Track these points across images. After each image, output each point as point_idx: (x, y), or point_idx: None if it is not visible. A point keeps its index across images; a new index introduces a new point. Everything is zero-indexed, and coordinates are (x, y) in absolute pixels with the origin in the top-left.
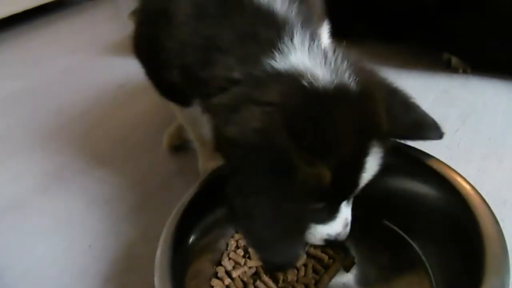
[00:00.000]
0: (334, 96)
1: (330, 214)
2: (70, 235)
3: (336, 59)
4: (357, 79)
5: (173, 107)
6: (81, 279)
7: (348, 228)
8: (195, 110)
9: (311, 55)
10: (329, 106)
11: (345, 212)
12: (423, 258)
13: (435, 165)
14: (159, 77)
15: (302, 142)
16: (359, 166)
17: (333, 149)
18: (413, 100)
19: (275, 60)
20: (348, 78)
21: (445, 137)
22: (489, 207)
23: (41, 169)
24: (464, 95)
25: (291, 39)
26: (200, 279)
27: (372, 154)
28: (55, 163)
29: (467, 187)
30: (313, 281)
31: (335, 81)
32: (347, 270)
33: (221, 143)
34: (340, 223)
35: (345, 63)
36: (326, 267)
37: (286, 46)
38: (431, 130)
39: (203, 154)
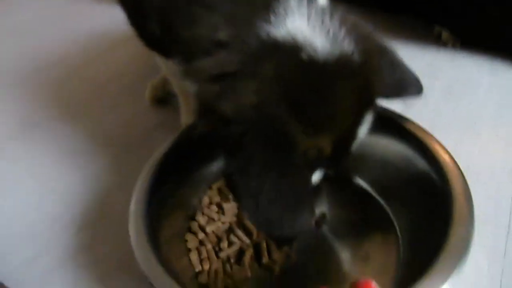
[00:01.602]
0: (335, 68)
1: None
2: (43, 183)
3: (334, 25)
4: (358, 47)
5: (157, 58)
6: (54, 227)
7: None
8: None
9: (310, 20)
10: (330, 79)
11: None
12: (392, 217)
13: (411, 127)
14: (141, 28)
15: (302, 114)
16: (355, 135)
17: (334, 121)
18: (398, 57)
19: (271, 24)
20: (348, 47)
21: (427, 108)
22: (458, 167)
23: (14, 115)
24: (449, 69)
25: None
26: (174, 233)
27: (366, 121)
28: (30, 109)
29: (439, 148)
30: None
31: (335, 52)
32: (318, 226)
33: (203, 111)
34: (318, 174)
35: (344, 29)
36: None
37: (283, 8)
38: (411, 87)
39: (185, 109)
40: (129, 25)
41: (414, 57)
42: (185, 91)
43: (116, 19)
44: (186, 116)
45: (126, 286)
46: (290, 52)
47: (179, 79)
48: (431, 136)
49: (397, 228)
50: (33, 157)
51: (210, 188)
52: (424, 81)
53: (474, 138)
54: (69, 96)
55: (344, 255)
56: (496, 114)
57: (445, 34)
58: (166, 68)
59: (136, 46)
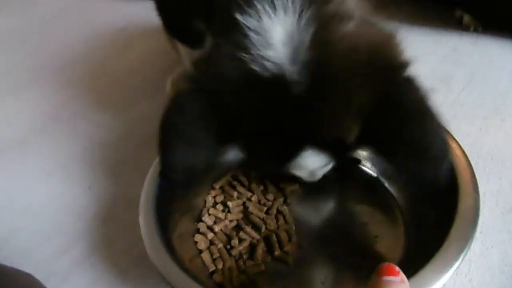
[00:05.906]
0: (268, 88)
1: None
2: (69, 176)
3: (307, 31)
4: (316, 66)
5: (181, 49)
6: (80, 218)
7: (316, 174)
8: None
9: (281, 20)
10: (255, 99)
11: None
12: (397, 199)
13: None
14: (181, 24)
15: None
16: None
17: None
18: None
19: (246, 21)
20: (302, 66)
21: (450, 95)
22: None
23: (38, 110)
24: (472, 53)
25: None
26: (182, 235)
27: (306, 156)
28: (53, 104)
29: None
30: (293, 228)
31: (279, 69)
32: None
33: None
34: (302, 168)
35: (314, 38)
36: None
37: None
38: (424, 161)
39: None
40: (157, 15)
41: (438, 42)
42: None
43: (131, 15)
44: None
45: (148, 277)
46: (241, 59)
47: None
48: None
49: (402, 209)
50: (58, 152)
51: (212, 187)
52: (448, 67)
53: (498, 124)
54: (91, 92)
55: (355, 239)
56: None
57: (466, 18)
58: (188, 60)
59: (155, 42)
